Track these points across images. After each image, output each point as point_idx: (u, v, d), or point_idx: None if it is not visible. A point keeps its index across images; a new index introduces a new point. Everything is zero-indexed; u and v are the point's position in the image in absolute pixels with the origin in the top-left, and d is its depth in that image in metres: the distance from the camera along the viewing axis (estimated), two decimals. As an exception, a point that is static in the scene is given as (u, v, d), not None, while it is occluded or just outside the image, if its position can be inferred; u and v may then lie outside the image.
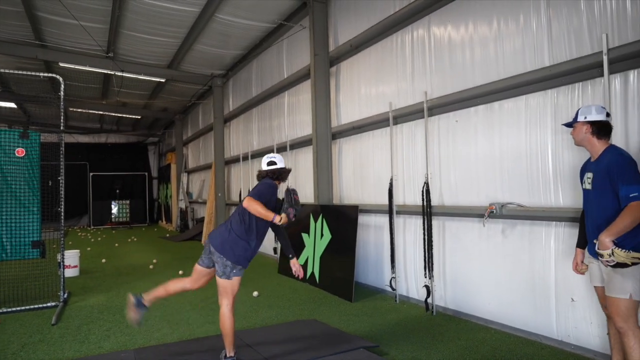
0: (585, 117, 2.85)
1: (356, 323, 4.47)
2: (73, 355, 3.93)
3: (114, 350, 4.00)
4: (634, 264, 2.58)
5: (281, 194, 3.71)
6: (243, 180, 10.62)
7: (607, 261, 2.60)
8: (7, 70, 5.71)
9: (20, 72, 5.83)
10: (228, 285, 3.34)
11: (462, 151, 4.80)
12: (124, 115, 16.48)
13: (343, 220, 5.99)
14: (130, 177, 20.29)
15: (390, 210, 5.57)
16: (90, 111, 15.42)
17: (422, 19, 5.28)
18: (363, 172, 6.42)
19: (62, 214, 5.65)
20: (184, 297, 5.81)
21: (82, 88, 12.84)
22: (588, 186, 2.85)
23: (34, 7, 7.88)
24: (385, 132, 5.95)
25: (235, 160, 11.32)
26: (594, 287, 2.95)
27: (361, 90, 6.46)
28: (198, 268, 3.52)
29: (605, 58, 3.42)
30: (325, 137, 7.02)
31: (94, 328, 4.71)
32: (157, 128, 19.97)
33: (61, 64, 9.95)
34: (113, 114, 16.30)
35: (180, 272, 7.56)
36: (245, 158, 10.51)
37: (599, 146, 2.81)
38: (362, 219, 6.22)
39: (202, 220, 13.68)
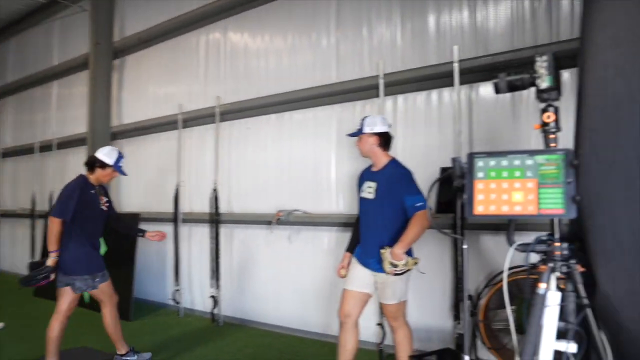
0: (372, 129, 2.87)
1: (136, 344, 3.80)
2: None
3: None
4: (407, 270, 2.71)
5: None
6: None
7: (399, 270, 2.64)
8: None
9: None
10: None
11: (253, 158, 4.66)
12: None
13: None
14: None
15: (175, 218, 5.02)
16: None
17: (219, 22, 5.01)
18: (147, 177, 5.68)
19: None
20: None
21: None
22: (369, 195, 2.86)
23: None
24: (173, 135, 5.39)
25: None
26: (346, 289, 2.91)
27: (149, 88, 5.76)
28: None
29: (381, 82, 3.76)
30: (104, 137, 6.01)
31: None
32: None
33: None
34: None
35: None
36: (-7, 156, 8.31)
37: (384, 158, 2.88)
38: (146, 228, 5.43)
39: None
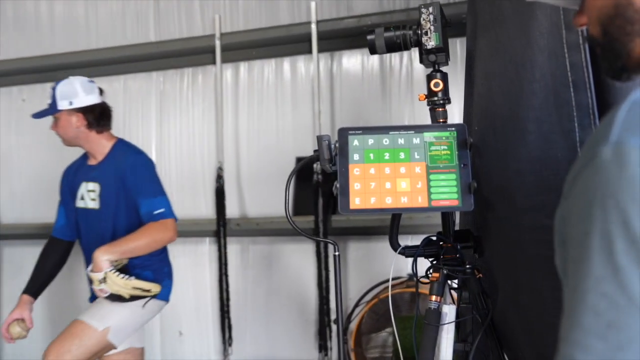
0: (71, 102, 2.38)
1: None
2: None
3: None
4: (134, 297, 2.28)
5: None
6: None
7: (100, 290, 2.22)
8: None
9: None
10: None
11: (31, 145, 4.06)
12: None
13: None
14: None
15: None
16: None
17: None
18: None
19: None
20: None
21: None
22: (91, 204, 2.47)
23: None
24: None
25: None
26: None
27: None
28: None
29: (217, 44, 3.58)
30: None
31: None
32: None
33: None
34: None
35: None
36: None
37: (104, 142, 2.46)
38: None
39: None
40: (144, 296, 2.33)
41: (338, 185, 1.42)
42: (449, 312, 1.46)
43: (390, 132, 1.45)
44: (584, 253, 0.52)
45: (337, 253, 1.60)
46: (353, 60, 3.47)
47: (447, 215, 1.48)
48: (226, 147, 3.60)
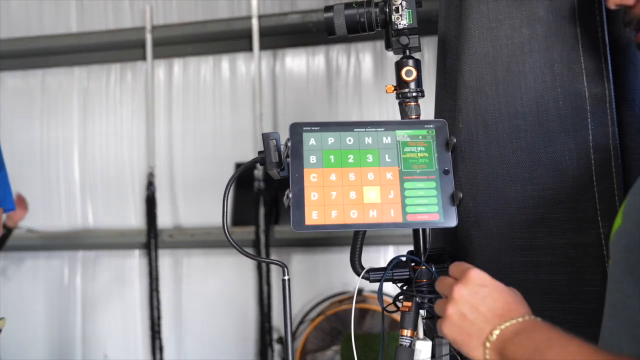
0: None
1: None
2: None
3: None
4: None
5: None
6: None
7: None
8: None
9: None
10: None
11: None
12: None
13: None
14: None
15: None
16: None
17: None
18: None
19: None
20: None
21: None
22: None
23: None
24: None
25: None
26: None
27: None
28: None
29: (148, 37, 3.30)
30: None
31: None
32: None
33: None
34: None
35: None
36: None
37: None
38: None
39: None
40: None
41: (290, 195, 1.09)
42: (424, 349, 1.16)
43: (356, 129, 1.14)
44: None
45: (286, 277, 1.26)
46: (297, 60, 3.26)
47: (419, 230, 1.19)
48: (158, 152, 3.29)
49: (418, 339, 1.18)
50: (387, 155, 1.13)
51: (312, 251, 3.11)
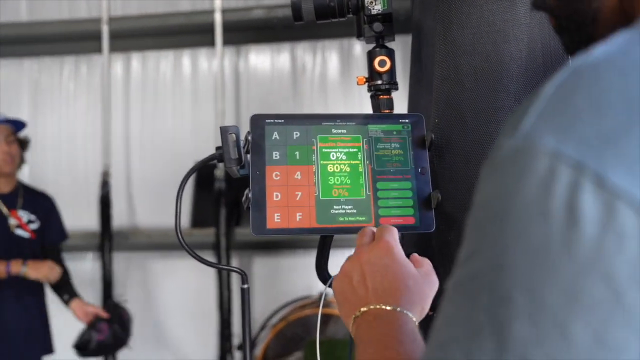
0: None
1: None
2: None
3: None
4: None
5: None
6: None
7: None
8: None
9: None
10: None
11: None
12: None
13: None
14: None
15: None
16: None
17: None
18: None
19: None
20: None
21: None
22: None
23: None
24: None
25: None
26: None
27: None
28: None
29: (105, 29, 3.10)
30: None
31: None
32: None
33: None
34: None
35: None
36: None
37: None
38: None
39: None
40: None
41: (250, 195, 0.96)
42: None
43: (324, 123, 1.02)
44: None
45: (246, 286, 1.11)
46: (262, 57, 3.14)
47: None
48: (114, 150, 3.15)
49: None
50: (359, 152, 1.02)
51: (274, 254, 3.03)
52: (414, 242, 1.22)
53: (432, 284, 0.70)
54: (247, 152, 1.02)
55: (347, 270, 0.68)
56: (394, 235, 0.73)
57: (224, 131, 1.06)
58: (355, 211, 0.98)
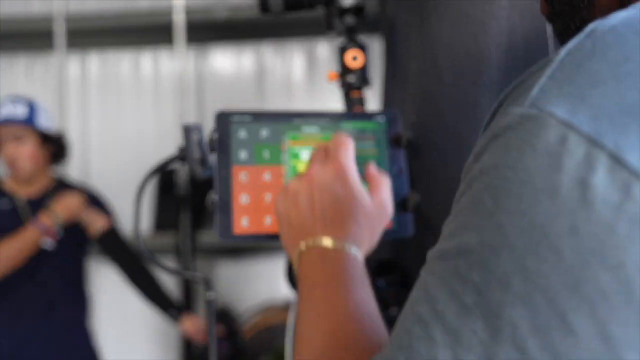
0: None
1: None
2: None
3: None
4: None
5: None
6: None
7: None
8: None
9: None
10: None
11: None
12: None
13: None
14: None
15: None
16: None
17: None
18: None
19: None
20: None
21: None
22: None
23: None
24: None
25: None
26: None
27: None
28: None
29: (60, 27, 2.99)
30: None
31: None
32: None
33: None
34: None
35: None
36: None
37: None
38: None
39: None
40: None
41: (216, 198, 0.88)
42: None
43: (294, 120, 0.95)
44: None
45: (213, 297, 1.02)
46: (226, 57, 3.10)
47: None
48: (71, 153, 2.99)
49: None
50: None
51: (239, 259, 2.99)
52: (389, 246, 1.16)
53: (384, 216, 0.65)
54: (212, 151, 0.94)
55: (295, 190, 0.62)
56: (350, 154, 0.65)
57: (187, 130, 0.97)
58: (328, 214, 0.91)
